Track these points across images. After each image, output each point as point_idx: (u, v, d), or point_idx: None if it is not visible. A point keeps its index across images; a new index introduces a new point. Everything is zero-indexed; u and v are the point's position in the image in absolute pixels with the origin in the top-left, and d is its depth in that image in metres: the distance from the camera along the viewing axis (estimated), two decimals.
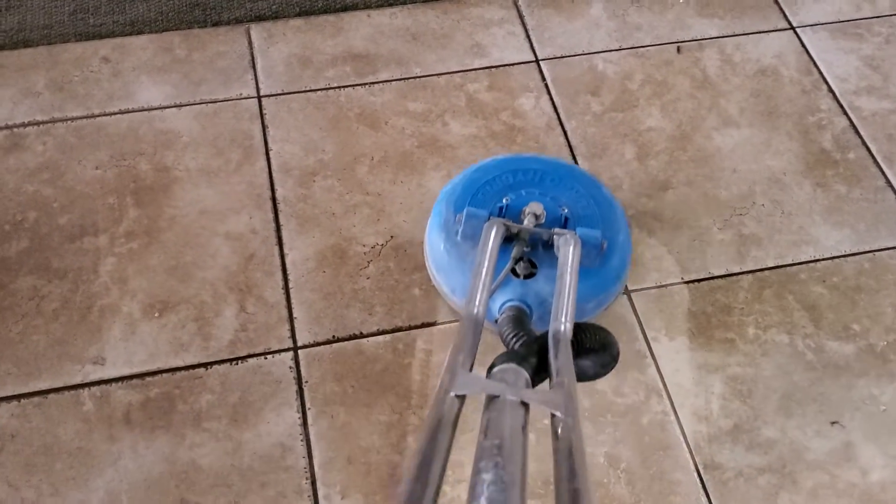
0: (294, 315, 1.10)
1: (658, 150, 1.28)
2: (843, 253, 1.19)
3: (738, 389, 1.07)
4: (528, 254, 1.03)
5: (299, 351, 1.07)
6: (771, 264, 1.18)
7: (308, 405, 1.03)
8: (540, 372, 0.78)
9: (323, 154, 1.25)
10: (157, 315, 1.09)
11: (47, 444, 0.99)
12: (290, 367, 1.06)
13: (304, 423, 1.02)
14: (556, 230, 1.02)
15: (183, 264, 1.13)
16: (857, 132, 1.32)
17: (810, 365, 1.10)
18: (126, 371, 1.05)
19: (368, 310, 1.11)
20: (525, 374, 0.74)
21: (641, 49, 1.40)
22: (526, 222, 1.04)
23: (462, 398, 0.67)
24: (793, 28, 1.45)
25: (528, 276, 1.02)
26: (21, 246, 1.14)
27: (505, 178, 1.11)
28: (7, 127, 1.25)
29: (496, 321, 0.99)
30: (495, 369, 0.75)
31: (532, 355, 0.79)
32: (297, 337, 1.08)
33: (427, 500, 0.54)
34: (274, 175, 1.22)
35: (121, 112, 1.27)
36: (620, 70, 1.37)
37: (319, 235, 1.17)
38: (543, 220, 1.05)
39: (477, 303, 0.88)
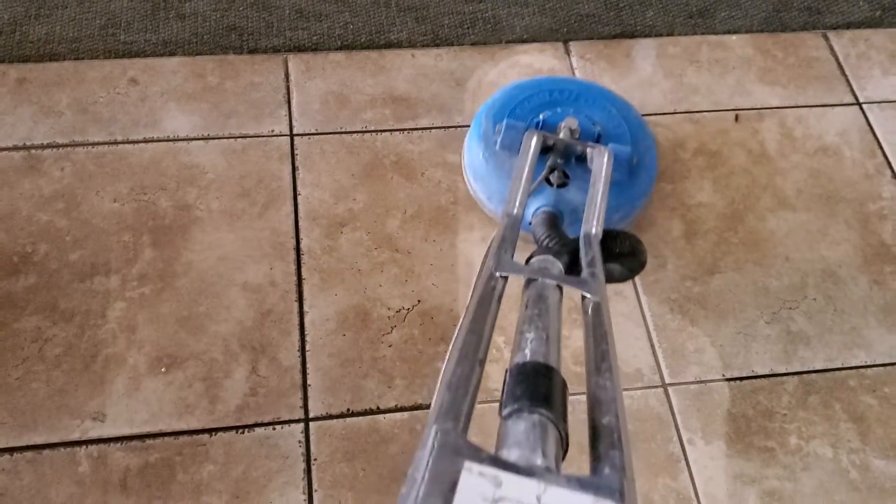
0: (308, 382, 1.04)
1: (707, 228, 1.21)
2: None
3: None
4: (562, 165, 1.10)
5: (310, 423, 1.01)
6: (819, 367, 1.11)
7: (315, 486, 0.97)
8: (572, 269, 0.85)
9: (353, 203, 1.18)
10: (163, 370, 1.03)
11: None
12: (300, 442, 0.99)
13: None
14: (590, 143, 1.09)
15: (195, 315, 1.07)
16: None
17: (854, 484, 1.02)
18: (126, 431, 0.99)
19: (388, 382, 1.05)
20: (559, 265, 0.83)
21: (697, 114, 1.32)
22: (561, 136, 1.10)
23: (505, 279, 0.76)
24: (859, 104, 1.36)
25: (561, 185, 1.09)
26: (28, 281, 1.08)
27: (542, 96, 1.19)
28: (25, 147, 1.19)
29: (530, 224, 1.06)
30: (533, 260, 0.85)
31: (566, 254, 0.86)
32: (310, 407, 1.02)
33: (481, 351, 0.62)
34: (300, 223, 1.16)
35: (145, 141, 1.21)
36: (673, 136, 1.30)
37: (343, 293, 1.11)
38: (578, 136, 1.12)
39: (517, 202, 0.95)
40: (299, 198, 1.18)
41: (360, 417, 1.02)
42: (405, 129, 1.26)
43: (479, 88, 1.31)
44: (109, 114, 1.23)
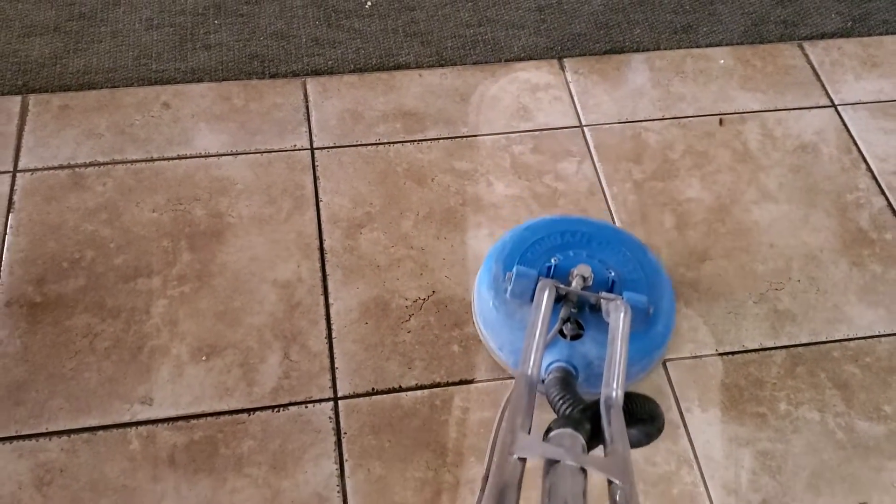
0: (336, 365, 1.13)
1: (697, 220, 1.31)
2: (877, 333, 1.21)
3: (767, 464, 1.09)
4: (576, 315, 1.06)
5: (339, 402, 1.10)
6: (804, 341, 1.20)
7: (346, 457, 1.06)
8: (594, 438, 0.81)
9: (370, 207, 1.29)
10: (204, 358, 1.13)
11: (94, 479, 1.02)
12: (330, 418, 1.09)
13: (342, 475, 1.04)
14: (604, 294, 1.05)
15: (231, 309, 1.17)
16: (894, 213, 1.34)
17: (840, 444, 1.11)
18: (172, 412, 1.08)
19: (408, 363, 1.14)
20: (581, 440, 0.78)
21: (684, 119, 1.43)
22: (574, 284, 1.07)
23: (524, 460, 0.71)
24: (834, 106, 1.48)
25: (575, 337, 1.05)
26: (78, 284, 1.18)
27: (553, 239, 1.15)
28: (70, 166, 1.30)
29: (542, 381, 1.00)
30: (552, 433, 0.79)
31: (587, 421, 0.82)
32: (338, 387, 1.11)
33: None
34: (323, 225, 1.26)
35: (179, 157, 1.32)
36: (662, 139, 1.41)
37: (364, 287, 1.21)
38: (591, 283, 1.08)
39: (531, 363, 0.91)
40: (321, 204, 1.29)
41: (385, 395, 1.11)
42: (415, 141, 1.37)
43: (481, 102, 1.43)
44: (145, 134, 1.35)
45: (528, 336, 0.95)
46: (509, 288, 1.07)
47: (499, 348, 1.12)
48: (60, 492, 1.02)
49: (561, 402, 0.91)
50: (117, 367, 1.11)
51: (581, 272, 1.07)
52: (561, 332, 1.05)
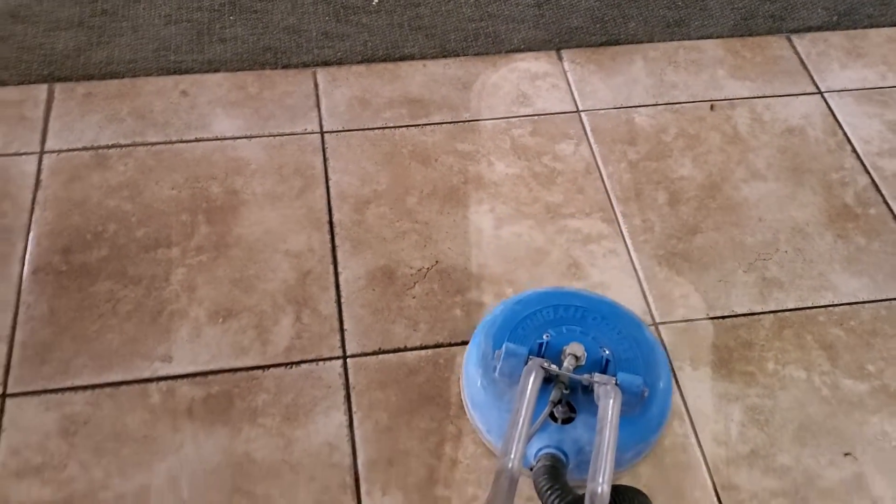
0: (345, 327, 1.20)
1: (689, 197, 1.38)
2: (861, 300, 1.27)
3: (756, 418, 1.14)
4: (567, 396, 1.02)
5: (348, 360, 1.16)
6: (791, 306, 1.26)
7: (354, 409, 1.12)
8: None
9: (377, 185, 1.36)
10: (221, 321, 1.19)
11: (116, 430, 1.09)
12: (340, 374, 1.15)
13: (351, 426, 1.10)
14: (597, 377, 1.01)
15: (246, 277, 1.24)
16: (878, 190, 1.40)
17: (825, 400, 1.16)
18: (191, 369, 1.14)
19: (413, 326, 1.20)
20: None
21: (676, 105, 1.51)
22: (566, 363, 1.03)
23: None
24: (820, 93, 1.55)
25: (567, 420, 1.01)
26: (101, 254, 1.25)
27: (546, 313, 1.11)
28: (93, 148, 1.37)
29: (531, 468, 0.98)
30: None
31: None
32: (347, 347, 1.18)
33: None
34: (332, 202, 1.33)
35: (196, 140, 1.40)
36: (656, 123, 1.48)
37: (371, 257, 1.27)
38: (584, 362, 1.04)
39: (513, 455, 0.87)
40: (330, 182, 1.36)
41: (391, 354, 1.17)
42: (419, 125, 1.45)
43: (483, 90, 1.50)
44: (164, 119, 1.42)
45: (511, 425, 0.91)
46: (498, 367, 1.03)
47: (487, 430, 1.07)
48: (85, 441, 1.07)
49: (549, 493, 0.90)
50: (138, 329, 1.18)
51: (573, 351, 1.03)
52: (552, 414, 1.01)
